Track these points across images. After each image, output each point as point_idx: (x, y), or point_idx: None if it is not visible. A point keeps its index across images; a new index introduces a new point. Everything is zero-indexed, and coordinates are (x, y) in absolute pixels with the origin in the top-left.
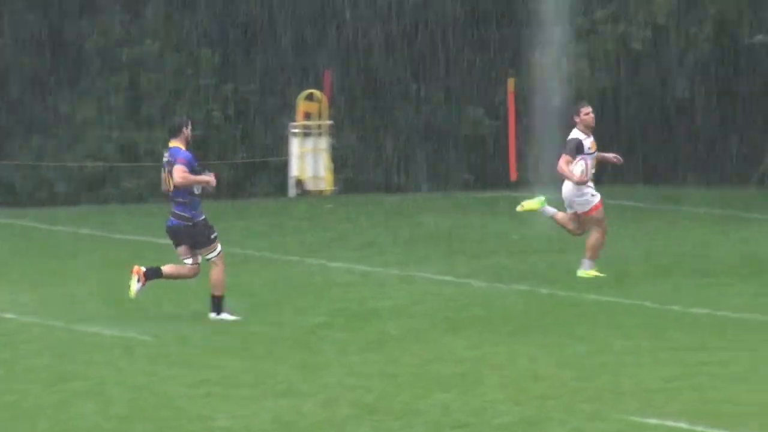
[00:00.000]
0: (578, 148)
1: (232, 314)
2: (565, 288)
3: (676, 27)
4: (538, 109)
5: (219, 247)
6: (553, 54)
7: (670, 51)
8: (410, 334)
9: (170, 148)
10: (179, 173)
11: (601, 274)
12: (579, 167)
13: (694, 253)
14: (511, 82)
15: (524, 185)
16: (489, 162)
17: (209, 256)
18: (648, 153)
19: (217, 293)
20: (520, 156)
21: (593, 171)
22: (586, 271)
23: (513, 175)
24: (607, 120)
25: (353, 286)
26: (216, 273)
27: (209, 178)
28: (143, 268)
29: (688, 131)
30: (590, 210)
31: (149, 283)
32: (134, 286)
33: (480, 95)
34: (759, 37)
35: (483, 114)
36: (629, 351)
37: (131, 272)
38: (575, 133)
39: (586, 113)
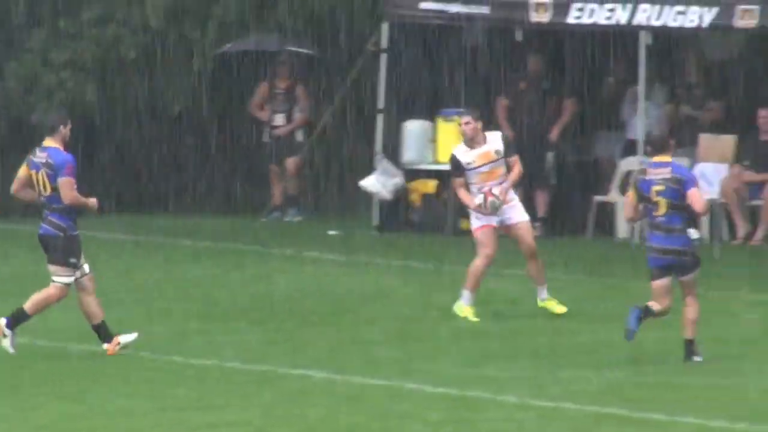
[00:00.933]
0: (457, 167)
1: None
2: (46, 337)
3: (178, 32)
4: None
5: (72, 278)
6: (33, 62)
7: (168, 59)
8: None
9: (46, 147)
10: (69, 189)
11: (475, 319)
12: (479, 198)
13: (196, 292)
14: None
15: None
16: None
17: (55, 279)
18: (155, 178)
19: (31, 312)
20: None
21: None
22: (462, 307)
23: None
24: (100, 141)
25: None
26: (45, 295)
27: (93, 202)
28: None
29: (189, 152)
30: (475, 230)
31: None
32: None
33: None
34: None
35: None
36: (125, 412)
37: None
38: (457, 148)
39: (463, 124)
